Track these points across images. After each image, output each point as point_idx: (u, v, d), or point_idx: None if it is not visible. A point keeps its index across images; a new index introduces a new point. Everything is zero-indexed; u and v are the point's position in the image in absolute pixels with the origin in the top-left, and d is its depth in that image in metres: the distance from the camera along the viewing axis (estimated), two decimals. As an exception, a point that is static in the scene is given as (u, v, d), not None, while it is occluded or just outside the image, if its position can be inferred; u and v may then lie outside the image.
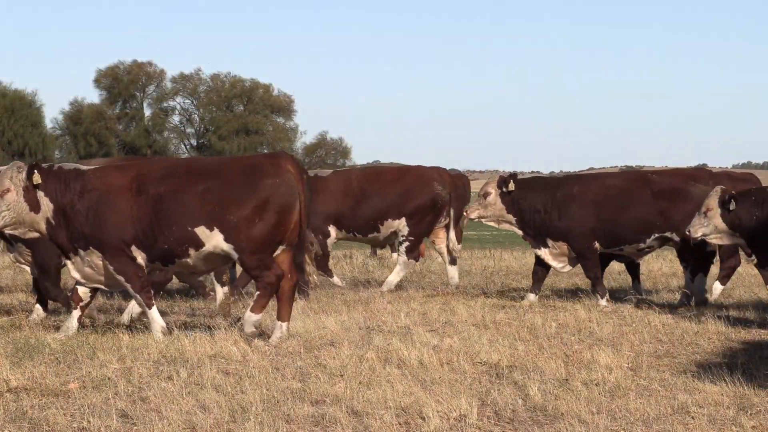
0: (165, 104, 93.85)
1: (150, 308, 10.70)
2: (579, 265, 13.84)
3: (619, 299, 13.76)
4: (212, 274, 13.20)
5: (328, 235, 15.59)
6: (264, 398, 7.80)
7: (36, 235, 10.90)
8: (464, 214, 14.24)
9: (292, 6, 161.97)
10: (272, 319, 10.81)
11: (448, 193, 15.73)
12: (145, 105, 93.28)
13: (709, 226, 11.96)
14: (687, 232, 12.18)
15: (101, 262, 10.64)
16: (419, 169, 16.12)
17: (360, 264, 20.70)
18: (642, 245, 13.57)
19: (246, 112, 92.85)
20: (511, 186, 13.79)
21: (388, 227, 15.60)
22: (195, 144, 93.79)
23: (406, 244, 15.56)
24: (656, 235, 13.44)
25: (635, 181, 13.79)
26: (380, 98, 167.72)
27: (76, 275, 10.82)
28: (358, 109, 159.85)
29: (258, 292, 10.46)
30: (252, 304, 10.51)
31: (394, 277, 15.58)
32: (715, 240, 12.14)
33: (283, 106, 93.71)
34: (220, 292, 13.17)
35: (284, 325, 10.46)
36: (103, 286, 10.86)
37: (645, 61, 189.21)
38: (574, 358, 9.45)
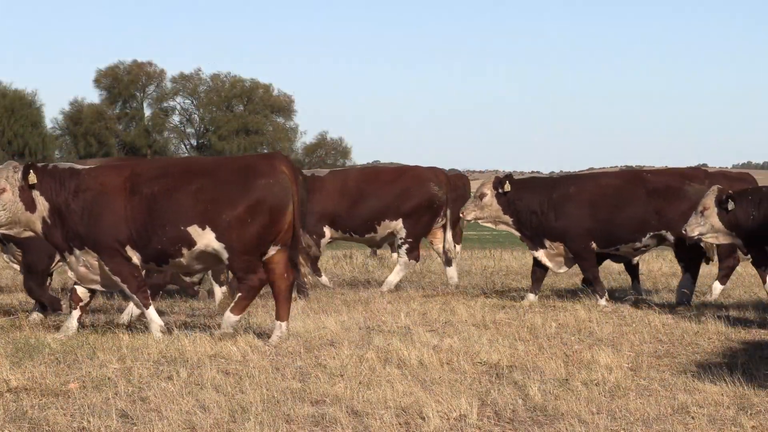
0: (165, 104, 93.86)
1: (147, 308, 10.71)
2: (577, 265, 13.85)
3: (618, 299, 13.77)
4: (210, 273, 13.25)
5: (322, 235, 15.57)
6: (264, 398, 7.80)
7: (31, 234, 10.92)
8: (461, 215, 14.21)
9: (292, 6, 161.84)
10: (272, 319, 10.82)
11: (444, 194, 15.72)
12: (145, 105, 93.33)
13: (705, 226, 11.96)
14: (683, 231, 12.18)
15: (97, 262, 10.65)
16: (416, 170, 16.11)
17: (360, 264, 20.71)
18: (638, 244, 13.57)
19: (246, 112, 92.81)
20: (507, 187, 13.76)
21: (385, 228, 15.59)
22: (195, 144, 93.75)
23: (406, 245, 15.55)
24: (651, 233, 13.44)
25: (631, 180, 13.78)
26: (380, 98, 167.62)
27: (72, 275, 10.83)
28: (358, 109, 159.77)
29: (240, 294, 10.46)
30: (232, 305, 10.52)
31: (393, 278, 15.59)
32: (711, 239, 12.14)
33: (283, 106, 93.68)
34: (219, 292, 13.18)
35: (283, 324, 10.46)
36: (99, 287, 10.86)
37: (645, 61, 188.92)
38: (574, 358, 9.45)
